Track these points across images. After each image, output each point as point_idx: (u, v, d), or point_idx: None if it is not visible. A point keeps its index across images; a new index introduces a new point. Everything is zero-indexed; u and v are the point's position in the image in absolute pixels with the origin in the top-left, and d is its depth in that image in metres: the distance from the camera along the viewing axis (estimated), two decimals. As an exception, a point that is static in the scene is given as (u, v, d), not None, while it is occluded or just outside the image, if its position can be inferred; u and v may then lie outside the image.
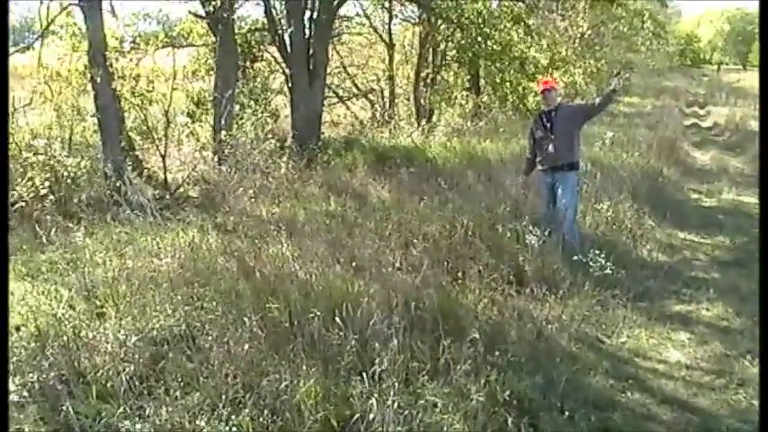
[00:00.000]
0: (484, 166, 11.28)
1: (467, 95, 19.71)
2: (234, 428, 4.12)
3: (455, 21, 16.60)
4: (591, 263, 6.61)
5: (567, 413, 4.74)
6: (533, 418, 4.65)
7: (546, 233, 7.37)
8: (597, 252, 6.71)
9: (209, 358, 4.78)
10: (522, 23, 17.62)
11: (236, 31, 13.91)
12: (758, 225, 9.91)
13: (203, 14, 13.24)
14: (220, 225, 8.08)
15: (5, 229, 5.20)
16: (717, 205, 11.91)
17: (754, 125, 21.42)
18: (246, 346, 4.79)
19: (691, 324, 6.55)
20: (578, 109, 9.16)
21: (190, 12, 14.51)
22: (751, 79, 51.15)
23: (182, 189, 10.97)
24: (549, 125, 8.29)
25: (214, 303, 5.68)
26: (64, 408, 4.25)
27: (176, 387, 4.50)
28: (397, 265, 6.60)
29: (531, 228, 7.40)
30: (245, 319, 5.08)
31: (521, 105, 18.76)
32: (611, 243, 8.25)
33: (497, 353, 5.14)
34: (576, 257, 7.00)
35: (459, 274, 6.59)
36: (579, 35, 20.49)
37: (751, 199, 12.21)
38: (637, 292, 7.07)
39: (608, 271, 6.48)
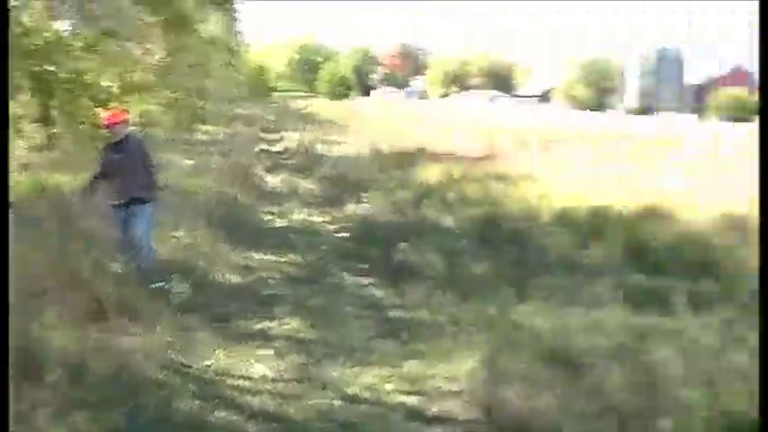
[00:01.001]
0: (57, 199, 10.84)
1: (37, 126, 18.75)
2: None
3: (22, 48, 15.72)
4: (170, 289, 6.67)
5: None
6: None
7: (125, 263, 7.31)
8: (176, 278, 6.79)
9: None
10: (96, 50, 17.23)
11: None
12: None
13: None
14: None
15: (5, 230, 4.25)
16: (288, 225, 12.51)
17: (321, 148, 23.14)
18: None
19: (271, 339, 6.85)
20: (145, 154, 8.57)
21: None
22: (317, 105, 55.13)
23: None
24: (118, 157, 8.08)
25: None
26: None
27: None
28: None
29: (109, 258, 7.28)
30: None
31: (94, 134, 18.29)
32: (189, 269, 8.35)
33: (83, 390, 5.06)
34: (154, 285, 7.03)
35: (36, 313, 6.30)
36: (156, 62, 20.44)
37: (319, 218, 13.13)
38: (217, 314, 7.28)
39: (187, 296, 6.58)
